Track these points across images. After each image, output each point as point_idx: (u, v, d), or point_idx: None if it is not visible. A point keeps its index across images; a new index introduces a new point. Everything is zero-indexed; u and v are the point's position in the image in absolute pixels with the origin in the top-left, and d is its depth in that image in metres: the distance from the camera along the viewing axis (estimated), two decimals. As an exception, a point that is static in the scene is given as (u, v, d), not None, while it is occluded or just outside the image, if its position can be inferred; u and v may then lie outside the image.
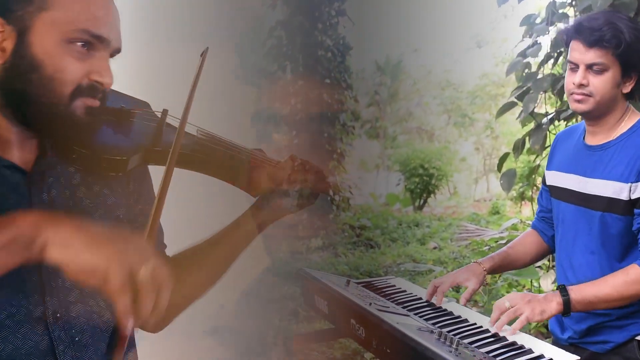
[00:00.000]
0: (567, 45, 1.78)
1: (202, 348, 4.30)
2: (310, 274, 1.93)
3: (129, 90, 1.15)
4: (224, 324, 4.67)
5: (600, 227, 1.75)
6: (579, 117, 2.89)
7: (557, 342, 1.88)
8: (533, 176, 4.61)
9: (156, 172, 1.10)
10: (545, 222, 2.04)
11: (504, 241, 5.12)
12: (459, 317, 1.68)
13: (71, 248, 0.80)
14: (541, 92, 3.49)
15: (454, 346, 1.38)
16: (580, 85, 1.72)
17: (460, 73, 19.69)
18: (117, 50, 1.01)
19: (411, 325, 1.52)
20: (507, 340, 1.50)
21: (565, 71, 1.85)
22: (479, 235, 7.55)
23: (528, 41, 3.70)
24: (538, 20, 3.70)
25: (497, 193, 14.89)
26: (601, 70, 1.70)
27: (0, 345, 0.92)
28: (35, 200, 0.98)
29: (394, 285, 1.97)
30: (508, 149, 4.99)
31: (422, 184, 12.99)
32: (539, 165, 4.03)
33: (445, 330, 1.51)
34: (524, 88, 3.55)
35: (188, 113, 1.06)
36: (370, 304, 1.65)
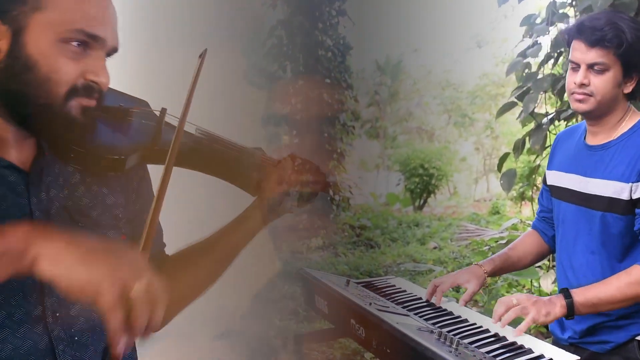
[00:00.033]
0: (568, 45, 1.78)
1: (211, 352, 4.27)
2: (310, 274, 1.93)
3: (129, 90, 1.14)
4: (231, 328, 4.65)
5: (600, 227, 1.75)
6: (579, 117, 2.90)
7: (557, 342, 1.87)
8: (533, 176, 4.61)
9: (155, 171, 1.10)
10: (545, 222, 2.04)
11: (504, 241, 5.11)
12: (459, 317, 1.67)
13: (62, 263, 0.78)
14: (541, 92, 3.49)
15: (454, 346, 1.37)
16: (582, 85, 1.72)
17: (460, 73, 19.72)
18: (114, 49, 1.00)
19: (411, 325, 1.52)
20: (507, 340, 1.50)
21: (565, 71, 1.85)
22: (479, 235, 7.54)
23: (528, 41, 3.70)
24: (538, 21, 3.69)
25: (497, 193, 14.90)
26: (602, 70, 1.70)
27: (-1, 345, 0.91)
28: (34, 200, 0.98)
29: (394, 285, 1.96)
30: (508, 149, 4.99)
31: (422, 184, 13.00)
32: (539, 165, 4.02)
33: (445, 330, 1.51)
34: (524, 88, 3.55)
35: (187, 112, 1.05)
36: (370, 303, 1.65)
